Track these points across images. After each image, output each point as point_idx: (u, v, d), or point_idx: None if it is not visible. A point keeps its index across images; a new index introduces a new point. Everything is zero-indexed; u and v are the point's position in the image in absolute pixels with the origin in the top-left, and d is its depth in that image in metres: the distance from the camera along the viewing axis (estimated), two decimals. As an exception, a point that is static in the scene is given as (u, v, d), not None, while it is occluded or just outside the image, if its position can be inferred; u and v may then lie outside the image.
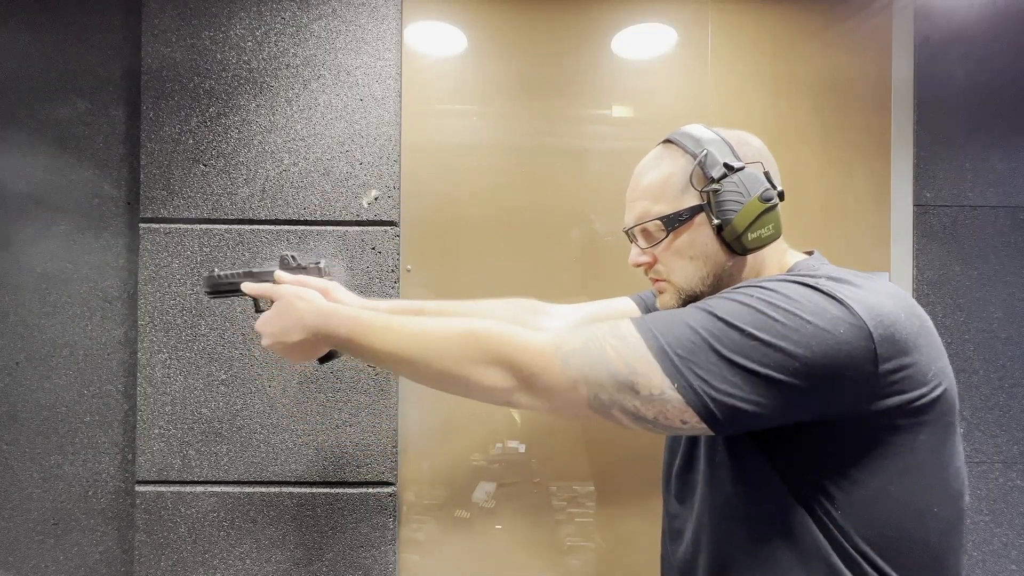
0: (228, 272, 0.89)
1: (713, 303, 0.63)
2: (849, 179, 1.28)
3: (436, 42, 1.26)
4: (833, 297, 0.60)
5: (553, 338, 0.64)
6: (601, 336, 0.63)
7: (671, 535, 0.83)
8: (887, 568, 0.61)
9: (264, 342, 0.81)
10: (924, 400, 0.61)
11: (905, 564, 0.62)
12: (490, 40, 1.27)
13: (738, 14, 1.27)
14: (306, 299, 0.78)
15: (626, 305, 1.02)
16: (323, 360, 0.84)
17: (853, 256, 1.28)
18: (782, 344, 0.57)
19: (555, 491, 1.26)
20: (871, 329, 0.58)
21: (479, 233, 1.26)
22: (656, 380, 0.59)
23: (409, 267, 1.25)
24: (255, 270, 0.89)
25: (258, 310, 0.88)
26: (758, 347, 0.58)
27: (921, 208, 1.27)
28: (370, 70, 1.20)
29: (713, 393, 0.58)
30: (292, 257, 0.89)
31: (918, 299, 1.27)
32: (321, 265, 0.89)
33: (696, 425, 0.60)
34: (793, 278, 0.64)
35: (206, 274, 0.90)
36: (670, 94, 1.27)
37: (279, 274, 0.86)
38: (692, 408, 0.59)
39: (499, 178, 1.26)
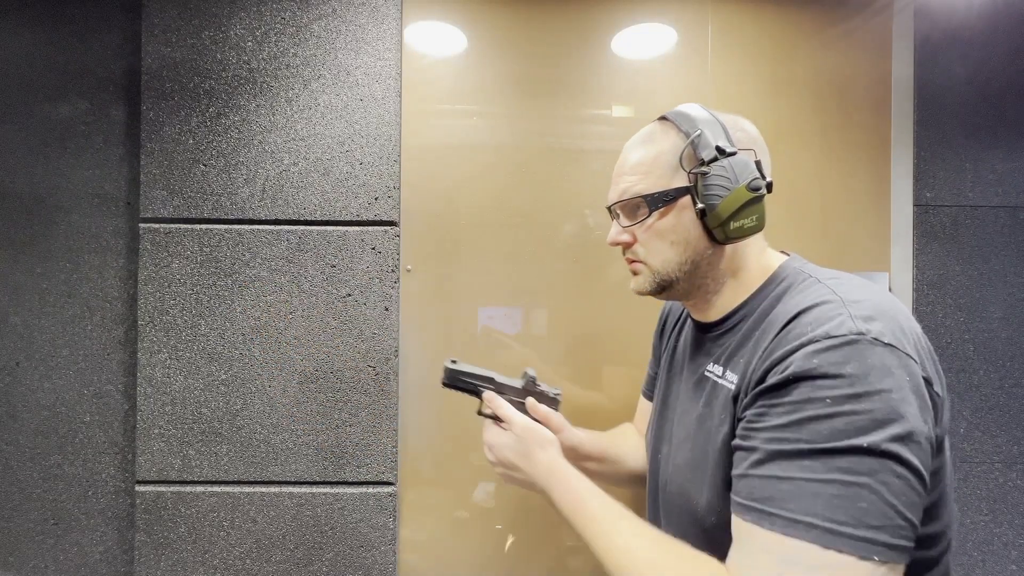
0: (472, 371, 0.88)
1: (800, 435, 0.55)
2: (849, 179, 1.28)
3: (436, 42, 1.26)
4: (877, 342, 0.55)
5: None
6: (758, 562, 0.55)
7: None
8: None
9: (490, 457, 0.84)
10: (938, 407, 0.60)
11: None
12: (490, 40, 1.27)
13: (738, 14, 1.27)
14: (546, 450, 0.80)
15: (643, 405, 1.04)
16: None
17: (853, 256, 1.28)
18: (892, 431, 0.52)
19: (555, 491, 1.25)
20: (913, 357, 0.56)
21: (479, 233, 1.26)
22: (858, 570, 0.51)
23: (409, 267, 1.25)
24: (499, 379, 0.88)
25: (482, 412, 0.88)
26: (882, 457, 0.52)
27: (921, 208, 1.27)
28: (370, 70, 1.20)
29: (896, 530, 0.52)
30: (535, 381, 0.89)
31: (918, 299, 1.27)
32: (558, 396, 0.90)
33: (900, 573, 0.53)
34: (833, 342, 0.56)
35: (449, 364, 0.88)
36: (670, 94, 1.27)
37: (532, 405, 0.86)
38: (897, 562, 0.52)
39: (499, 178, 1.26)
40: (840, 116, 1.28)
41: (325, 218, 1.18)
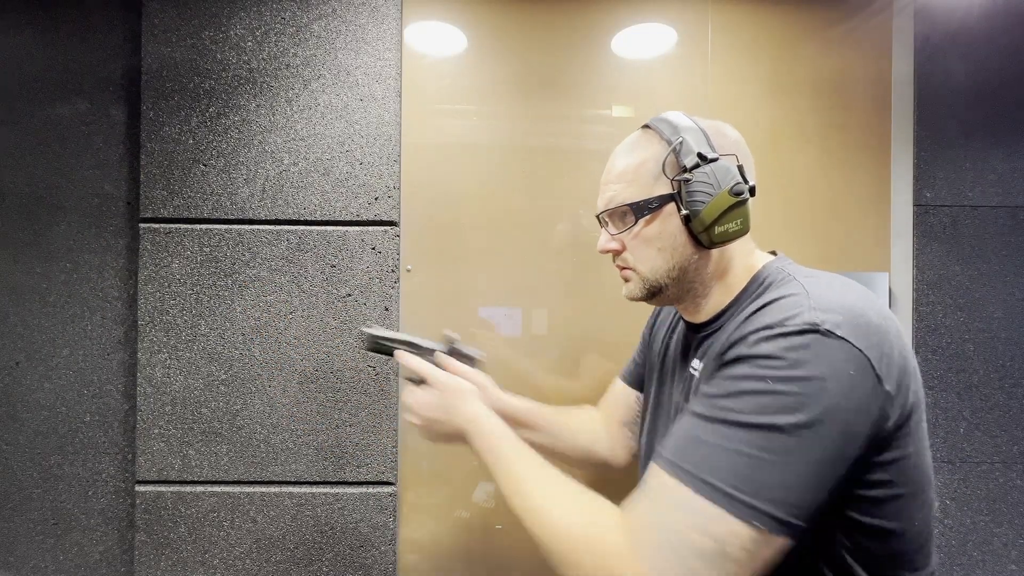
0: (391, 336, 0.89)
1: (728, 407, 0.58)
2: (849, 179, 1.28)
3: (436, 42, 1.26)
4: (829, 333, 0.57)
5: (636, 550, 0.58)
6: (668, 518, 0.58)
7: None
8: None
9: (413, 420, 0.84)
10: (907, 409, 0.60)
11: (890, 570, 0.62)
12: (490, 40, 1.27)
13: (738, 14, 1.27)
14: (465, 399, 0.81)
15: (617, 387, 1.05)
16: None
17: (853, 256, 1.28)
18: (816, 417, 0.55)
19: (555, 491, 1.25)
20: (867, 354, 0.57)
21: (479, 233, 1.26)
22: (744, 536, 0.54)
23: (409, 267, 1.25)
24: (417, 341, 0.89)
25: (408, 378, 0.89)
26: (804, 435, 0.55)
27: (921, 208, 1.27)
28: (370, 70, 1.20)
29: (792, 508, 0.55)
30: (455, 340, 0.90)
31: (918, 299, 1.27)
32: (480, 357, 0.91)
33: (787, 544, 0.56)
34: (784, 330, 0.59)
35: (367, 331, 0.89)
36: (670, 94, 1.27)
37: (442, 358, 0.87)
38: (781, 535, 0.55)
39: (499, 178, 1.26)
40: (840, 116, 1.28)
41: (325, 218, 1.18)
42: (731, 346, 0.63)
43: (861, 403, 0.57)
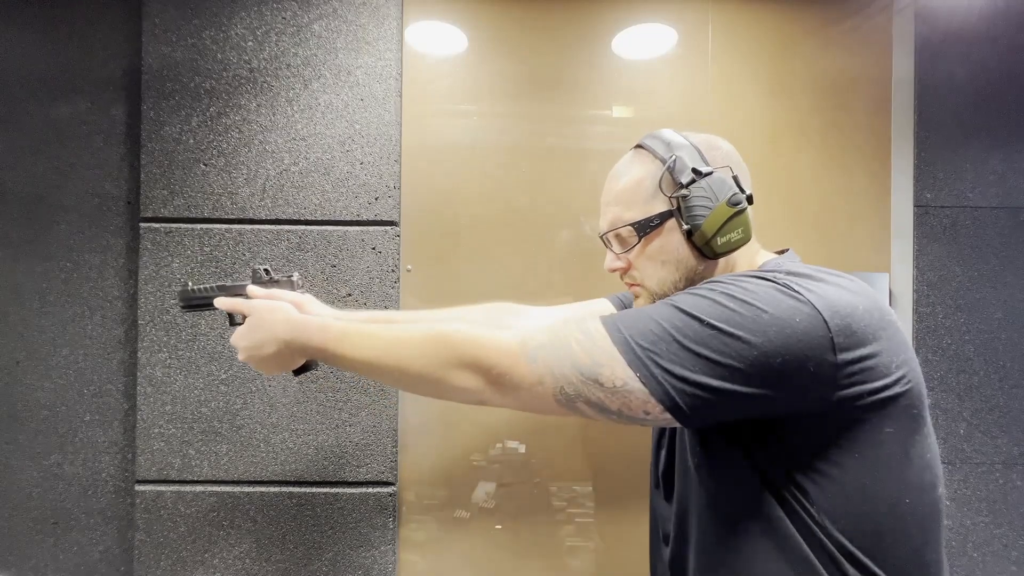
0: (201, 286, 0.89)
1: (676, 298, 0.65)
2: (849, 179, 1.28)
3: (437, 42, 1.26)
4: (789, 288, 0.61)
5: (520, 336, 0.65)
6: (567, 332, 0.64)
7: (658, 535, 0.84)
8: (866, 560, 0.62)
9: (240, 356, 0.82)
10: (888, 392, 0.61)
11: (883, 556, 0.62)
12: (491, 40, 1.27)
13: (738, 14, 1.27)
14: (277, 311, 0.79)
15: (603, 306, 1.03)
16: (298, 372, 0.84)
17: (853, 256, 1.28)
18: (740, 333, 0.59)
19: (555, 491, 1.26)
20: (826, 319, 0.59)
21: (479, 233, 1.26)
22: (619, 371, 0.61)
23: (409, 267, 1.25)
24: (228, 284, 0.89)
25: (232, 323, 0.88)
26: (717, 336, 0.59)
27: (921, 208, 1.27)
28: (371, 70, 1.20)
29: (674, 382, 0.59)
30: (265, 271, 0.89)
31: (918, 300, 1.27)
32: (294, 278, 0.89)
33: (659, 416, 0.61)
34: (753, 273, 0.66)
35: (179, 288, 0.90)
36: (670, 94, 1.27)
37: (251, 288, 0.86)
38: (655, 397, 0.60)
39: (499, 178, 1.26)
40: (840, 116, 1.28)
41: (325, 218, 1.18)
42: None
43: (795, 353, 0.59)
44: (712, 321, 0.60)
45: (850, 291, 0.63)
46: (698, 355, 0.59)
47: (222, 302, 0.86)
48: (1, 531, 1.22)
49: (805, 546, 0.63)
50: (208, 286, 0.89)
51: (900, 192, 1.28)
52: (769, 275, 0.64)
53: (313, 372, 0.89)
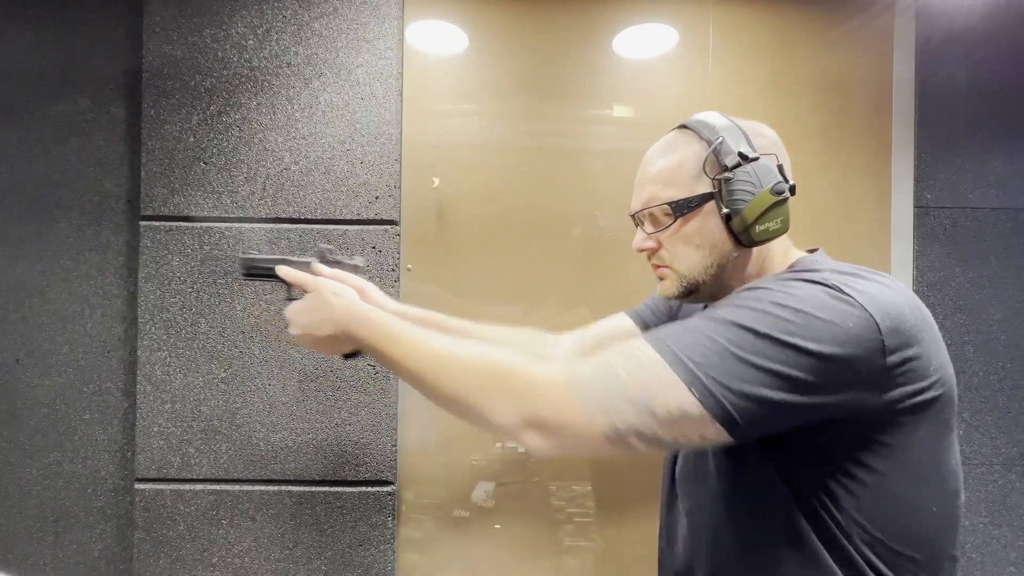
0: (265, 256, 0.88)
1: (722, 311, 0.61)
2: (850, 180, 1.28)
3: (437, 41, 1.26)
4: (839, 291, 0.60)
5: (564, 371, 0.62)
6: (613, 361, 0.61)
7: (669, 536, 0.83)
8: (884, 568, 0.62)
9: (292, 330, 0.81)
10: (926, 395, 0.61)
11: (902, 564, 0.62)
12: (491, 40, 1.27)
13: (739, 14, 1.27)
14: (341, 295, 0.78)
15: (623, 322, 1.02)
16: (347, 357, 0.84)
17: (853, 257, 1.27)
18: (796, 341, 0.57)
19: (554, 491, 1.26)
20: (878, 321, 0.58)
21: (479, 233, 1.26)
22: (674, 395, 0.57)
23: (409, 266, 1.25)
24: (291, 258, 0.88)
25: (290, 298, 0.86)
26: (773, 346, 0.57)
27: (922, 209, 1.27)
28: (371, 69, 1.20)
29: (734, 398, 0.56)
30: (330, 251, 0.89)
31: (918, 300, 1.27)
32: (359, 264, 0.89)
33: (715, 438, 0.58)
34: (798, 276, 0.63)
35: (241, 255, 0.89)
36: (671, 94, 1.27)
37: (317, 266, 0.86)
38: (711, 414, 0.57)
39: (500, 178, 1.26)
40: (841, 117, 1.28)
41: (326, 217, 1.18)
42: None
43: (849, 358, 0.57)
44: (766, 331, 0.57)
45: (894, 290, 0.62)
46: (757, 367, 0.57)
47: (287, 272, 0.85)
48: (1, 529, 1.22)
49: (827, 555, 0.62)
50: (271, 256, 0.88)
51: (900, 193, 1.28)
52: (816, 276, 0.62)
53: (361, 358, 0.87)
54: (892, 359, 0.59)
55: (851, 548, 0.62)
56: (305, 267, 0.87)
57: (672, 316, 0.98)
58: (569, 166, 1.26)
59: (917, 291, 1.26)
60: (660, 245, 0.77)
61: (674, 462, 0.84)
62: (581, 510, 1.25)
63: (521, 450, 1.25)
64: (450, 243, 1.26)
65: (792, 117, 1.27)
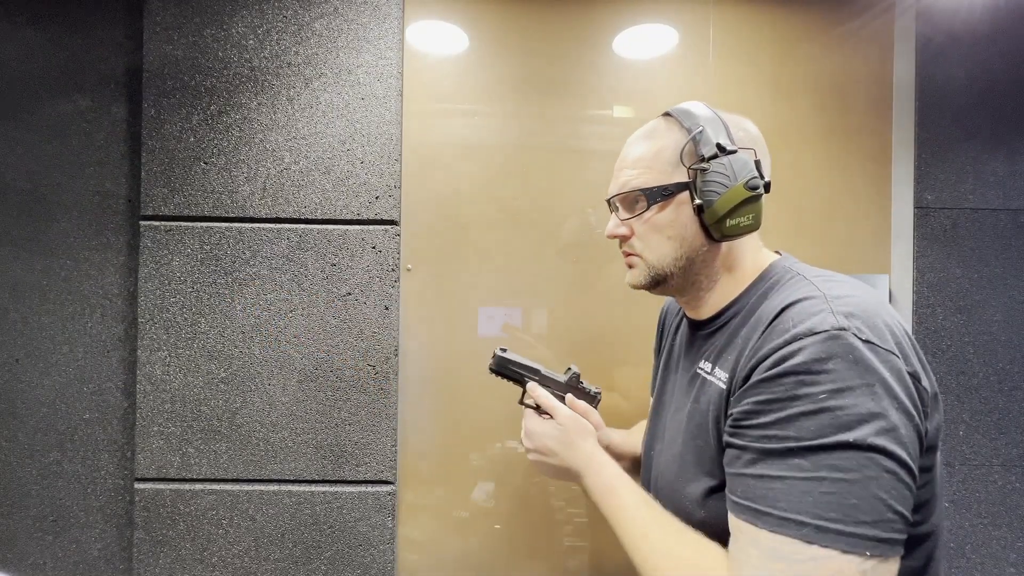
0: (520, 361, 0.91)
1: (788, 432, 0.56)
2: (850, 180, 1.28)
3: (438, 41, 1.26)
4: (861, 340, 0.56)
5: None
6: (765, 572, 0.55)
7: None
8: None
9: (528, 444, 0.85)
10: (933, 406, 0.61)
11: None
12: (492, 40, 1.27)
13: (740, 15, 1.27)
14: (586, 438, 0.82)
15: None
16: None
17: (853, 258, 1.28)
18: (880, 424, 0.53)
19: (554, 491, 1.26)
20: (895, 352, 0.57)
21: (479, 233, 1.26)
22: (849, 566, 0.52)
23: (409, 266, 1.25)
24: (545, 372, 0.91)
25: (524, 403, 0.91)
26: (873, 444, 0.53)
27: (922, 210, 1.27)
28: (372, 69, 1.20)
29: (893, 525, 0.53)
30: (578, 376, 0.91)
31: (918, 301, 1.27)
32: (598, 395, 0.92)
33: (896, 565, 0.54)
34: (808, 339, 0.57)
35: (499, 352, 0.91)
36: (671, 95, 1.27)
37: (571, 399, 0.89)
38: (893, 555, 0.53)
39: (500, 178, 1.26)
40: (841, 118, 1.28)
41: (326, 217, 1.18)
42: (761, 361, 0.61)
43: (911, 401, 0.56)
44: (847, 438, 0.53)
45: (878, 306, 0.61)
46: (867, 481, 0.52)
47: (539, 394, 0.87)
48: (0, 528, 1.22)
49: None
50: (528, 364, 0.91)
51: (900, 193, 1.28)
52: (838, 334, 0.56)
53: None
54: (924, 384, 0.59)
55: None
56: (554, 386, 0.90)
57: (658, 356, 0.99)
58: (569, 166, 1.26)
59: (917, 292, 1.26)
60: (632, 233, 0.76)
61: (647, 485, 0.84)
62: (581, 510, 1.25)
63: (521, 450, 1.25)
64: (450, 243, 1.26)
65: (792, 117, 1.27)
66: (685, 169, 0.71)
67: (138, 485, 1.17)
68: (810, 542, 0.52)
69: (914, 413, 0.56)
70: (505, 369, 0.91)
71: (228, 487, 1.17)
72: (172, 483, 1.17)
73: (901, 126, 1.28)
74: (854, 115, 1.28)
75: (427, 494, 1.25)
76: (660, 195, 0.72)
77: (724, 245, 0.73)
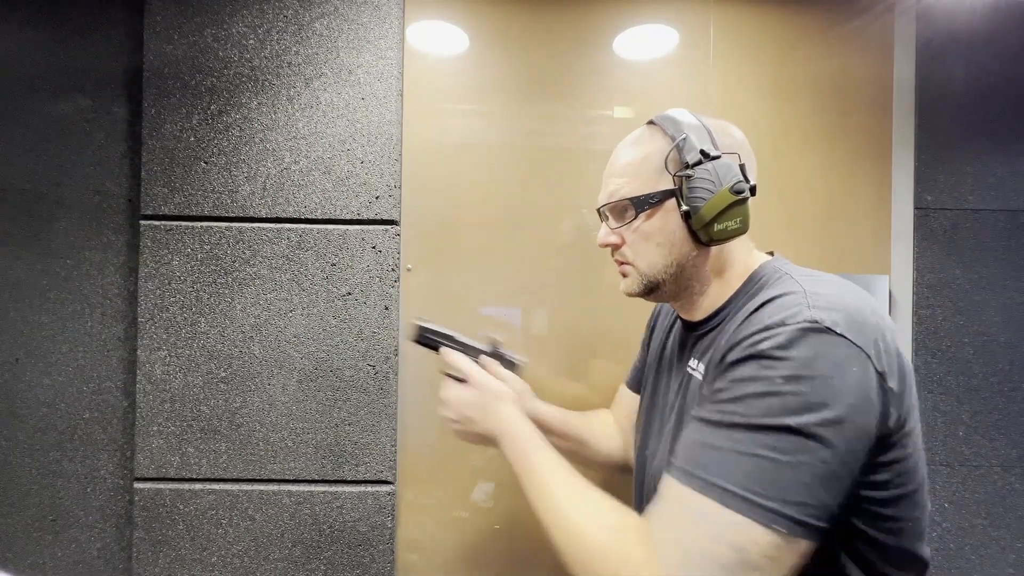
0: (439, 329, 0.91)
1: (737, 408, 0.58)
2: (850, 181, 1.28)
3: (438, 41, 1.26)
4: (829, 331, 0.57)
5: (658, 564, 0.58)
6: (691, 534, 0.57)
7: None
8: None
9: (447, 414, 0.85)
10: (907, 401, 0.61)
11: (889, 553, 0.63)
12: (492, 40, 1.27)
13: (740, 15, 1.27)
14: (504, 402, 0.82)
15: (623, 394, 1.06)
16: None
17: (853, 259, 1.28)
18: (827, 415, 0.55)
19: (554, 491, 1.25)
20: (867, 352, 0.58)
21: (479, 233, 1.26)
22: (763, 542, 0.54)
23: (409, 266, 1.25)
24: (463, 339, 0.91)
25: (447, 374, 0.90)
26: (816, 432, 0.54)
27: (922, 211, 1.27)
28: (372, 69, 1.20)
29: (812, 510, 0.54)
30: (498, 345, 0.91)
31: (918, 302, 1.27)
32: (522, 362, 0.92)
33: (809, 549, 0.56)
34: (778, 329, 0.59)
35: (417, 322, 0.91)
36: (672, 95, 1.27)
37: (487, 361, 0.88)
38: (806, 538, 0.55)
39: (500, 178, 1.26)
40: (841, 118, 1.28)
41: (326, 217, 1.18)
42: (733, 347, 0.63)
43: (867, 400, 0.57)
44: (794, 423, 0.54)
45: (857, 303, 0.62)
46: (806, 465, 0.54)
47: (456, 359, 0.87)
48: (0, 528, 1.22)
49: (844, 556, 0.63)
50: (446, 332, 0.91)
51: (900, 194, 1.28)
52: (796, 321, 0.58)
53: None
54: (891, 384, 0.59)
55: (839, 561, 0.62)
56: (474, 354, 0.89)
57: (646, 348, 0.99)
58: (570, 167, 1.26)
59: (916, 293, 1.26)
60: (623, 241, 0.77)
61: (641, 485, 0.84)
62: (580, 511, 1.25)
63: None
64: (450, 243, 1.26)
65: (792, 118, 1.27)
66: (671, 176, 0.72)
67: (137, 485, 1.17)
68: (732, 509, 0.55)
69: (870, 411, 0.57)
70: (425, 339, 0.91)
71: (228, 487, 1.17)
72: (172, 483, 1.17)
73: (901, 127, 1.28)
74: (854, 115, 1.28)
75: (427, 494, 1.25)
76: (647, 203, 0.73)
77: (713, 249, 0.74)
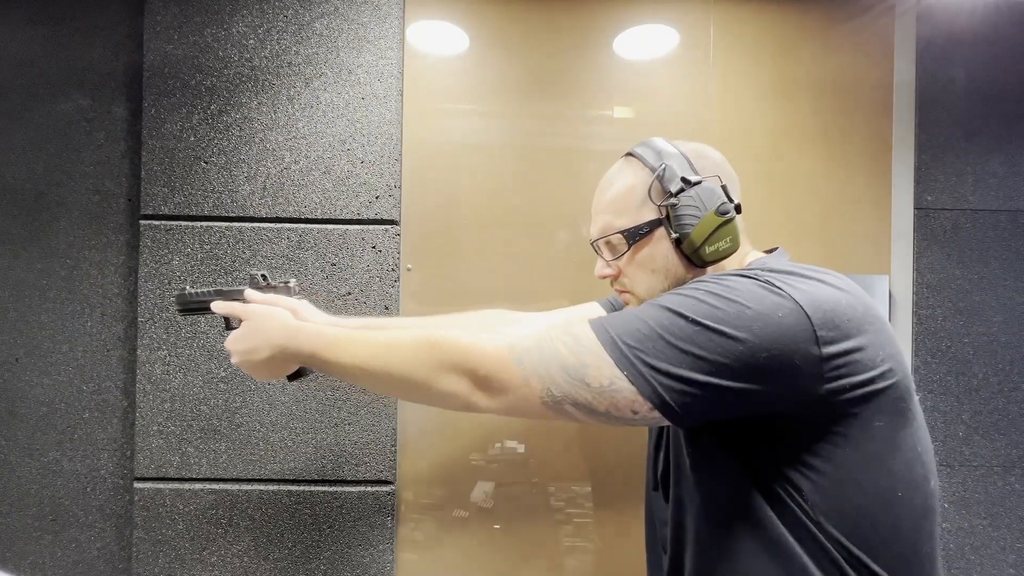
0: (199, 290, 0.89)
1: (663, 298, 0.65)
2: (850, 181, 1.28)
3: (438, 41, 1.26)
4: (771, 285, 0.62)
5: (507, 340, 0.66)
6: (554, 336, 0.65)
7: (656, 539, 0.84)
8: (861, 555, 0.62)
9: (233, 359, 0.81)
10: (875, 386, 0.62)
11: (877, 550, 0.63)
12: (492, 40, 1.27)
13: (740, 16, 1.27)
14: (273, 317, 0.79)
15: (593, 310, 1.03)
16: (292, 378, 0.84)
17: (853, 258, 1.28)
18: (725, 329, 0.59)
19: (553, 491, 1.26)
20: (808, 313, 0.60)
21: (479, 233, 1.26)
22: (606, 371, 0.61)
23: (409, 266, 1.25)
24: (225, 288, 0.88)
25: (228, 328, 0.87)
26: (703, 332, 0.60)
27: (922, 211, 1.27)
28: (372, 69, 1.20)
29: (661, 378, 0.60)
30: (262, 276, 0.89)
31: (918, 302, 1.27)
32: (291, 284, 0.89)
33: (648, 415, 0.61)
34: (737, 272, 0.66)
35: (176, 292, 0.90)
36: (672, 95, 1.27)
37: (249, 293, 0.86)
38: (643, 395, 0.60)
39: (500, 178, 1.26)
40: (842, 118, 1.28)
41: (326, 216, 1.18)
42: None
43: (780, 347, 0.59)
44: (698, 318, 0.60)
45: (833, 286, 0.64)
46: (684, 351, 0.60)
47: (219, 306, 0.85)
48: (0, 528, 1.22)
49: (797, 545, 0.63)
50: (206, 290, 0.89)
51: (901, 194, 1.28)
52: (751, 272, 0.65)
53: (306, 378, 0.88)
54: (827, 350, 0.60)
55: (823, 536, 0.63)
56: (238, 296, 0.86)
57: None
58: (570, 166, 1.26)
59: (917, 293, 1.26)
60: (620, 272, 0.79)
61: (654, 460, 0.85)
62: (581, 510, 1.25)
63: (521, 450, 1.25)
64: (450, 243, 1.26)
65: (793, 118, 1.27)
66: (655, 206, 0.74)
67: (137, 484, 1.17)
68: (599, 338, 0.63)
69: (782, 358, 0.60)
70: (189, 305, 0.88)
71: (227, 487, 1.17)
72: (171, 482, 1.17)
73: (901, 127, 1.28)
74: (854, 115, 1.28)
75: (427, 494, 1.25)
76: (637, 235, 0.75)
77: (708, 269, 0.75)
